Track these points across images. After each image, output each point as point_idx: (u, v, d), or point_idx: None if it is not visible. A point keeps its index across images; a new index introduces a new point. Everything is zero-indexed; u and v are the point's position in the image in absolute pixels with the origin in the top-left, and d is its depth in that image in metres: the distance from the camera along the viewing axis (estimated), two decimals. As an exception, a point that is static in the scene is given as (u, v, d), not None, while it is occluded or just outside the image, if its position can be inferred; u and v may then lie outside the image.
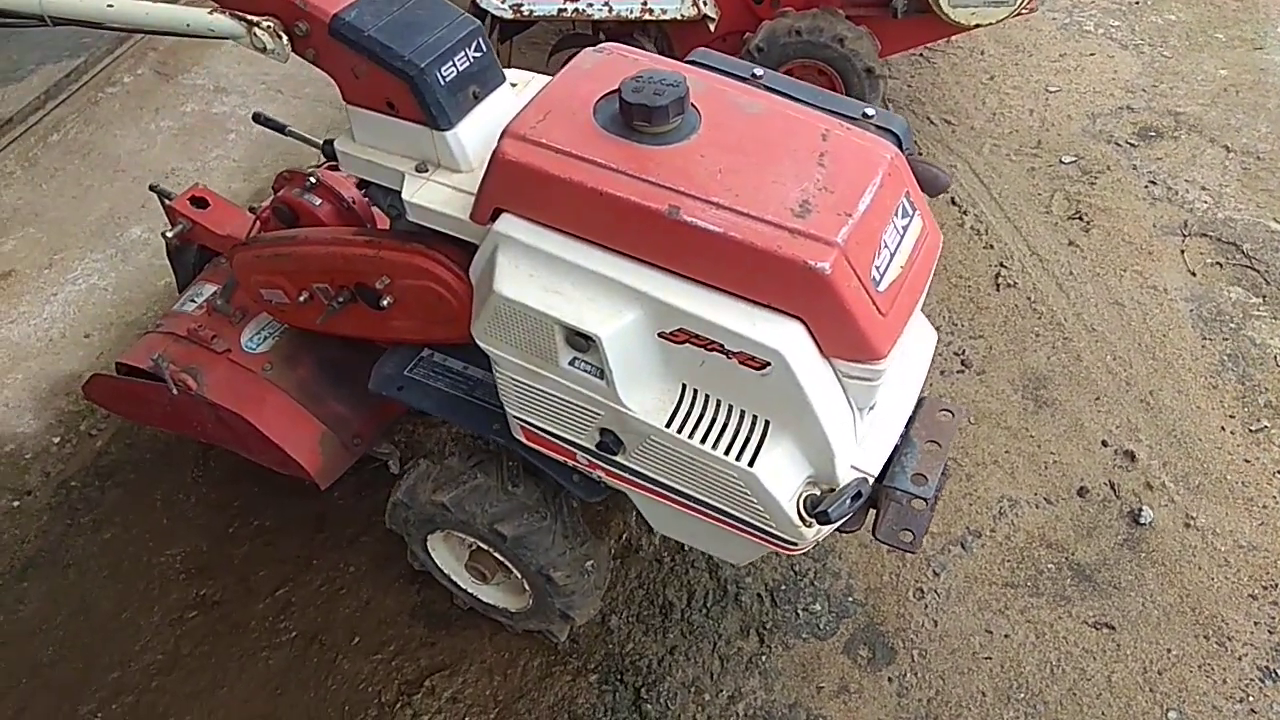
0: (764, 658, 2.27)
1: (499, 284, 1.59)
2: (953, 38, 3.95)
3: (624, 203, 1.49)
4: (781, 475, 1.57)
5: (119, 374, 2.47)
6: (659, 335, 1.55)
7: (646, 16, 3.30)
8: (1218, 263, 3.06)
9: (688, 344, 1.53)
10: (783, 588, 2.40)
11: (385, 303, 1.94)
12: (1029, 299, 3.03)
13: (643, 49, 3.50)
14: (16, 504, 2.94)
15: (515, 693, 2.30)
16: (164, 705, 2.39)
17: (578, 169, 1.53)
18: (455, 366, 2.10)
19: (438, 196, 1.76)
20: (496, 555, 2.15)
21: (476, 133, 1.77)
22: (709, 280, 1.50)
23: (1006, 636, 2.25)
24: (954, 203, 3.43)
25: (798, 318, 1.47)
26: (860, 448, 1.67)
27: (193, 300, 2.48)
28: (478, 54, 1.77)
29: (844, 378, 1.55)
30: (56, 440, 3.11)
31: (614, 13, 3.29)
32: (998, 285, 3.11)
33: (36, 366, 3.31)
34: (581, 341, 1.58)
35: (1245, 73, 3.86)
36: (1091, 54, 4.09)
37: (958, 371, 2.85)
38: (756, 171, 1.52)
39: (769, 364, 1.47)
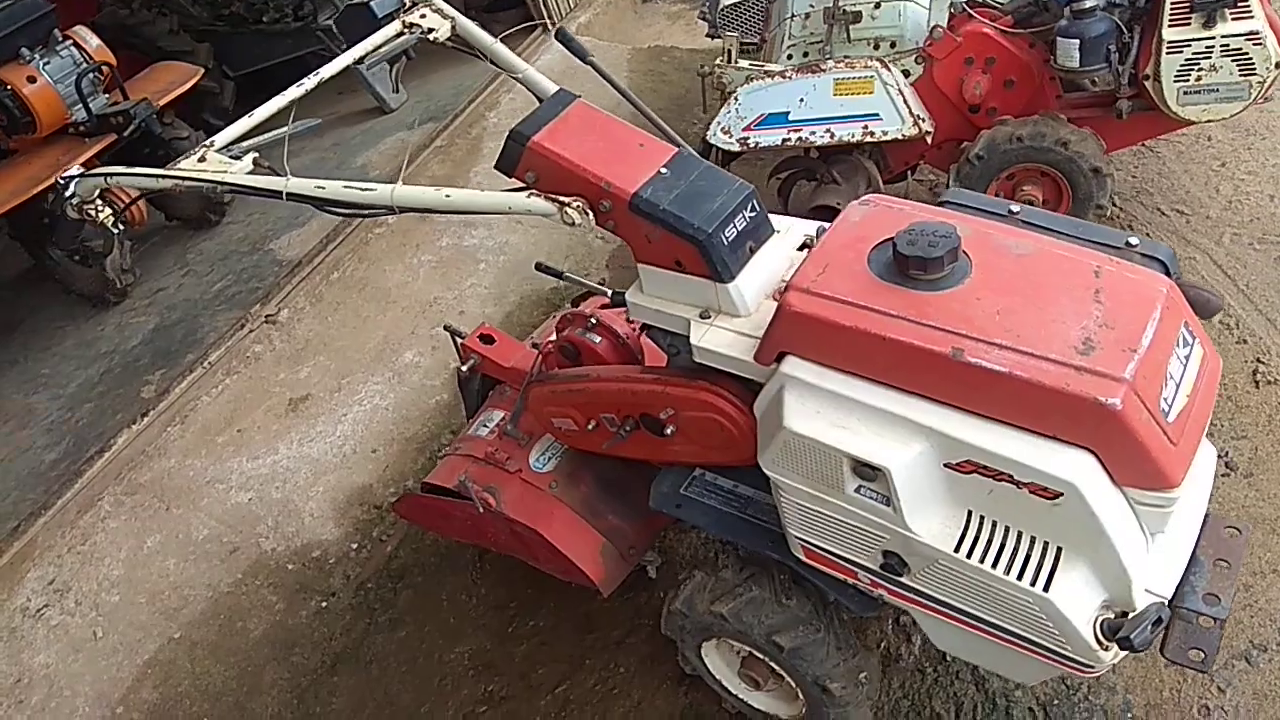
0: (1041, 775, 2.26)
1: (788, 420, 1.77)
2: (1178, 125, 3.91)
3: (908, 346, 1.64)
4: (1078, 600, 1.63)
5: (424, 492, 2.81)
6: (945, 465, 1.67)
7: (868, 139, 3.48)
8: None
9: (975, 474, 1.64)
10: (1055, 702, 2.38)
11: (669, 431, 2.17)
12: (1295, 395, 2.92)
13: (862, 166, 3.71)
14: (325, 604, 3.36)
15: (788, 799, 2.39)
16: (465, 795, 2.64)
17: (861, 317, 1.69)
18: (725, 485, 2.29)
19: (722, 340, 1.96)
20: (771, 664, 2.28)
21: (753, 282, 1.98)
22: (995, 415, 1.61)
23: (1310, 762, 2.14)
24: (1198, 296, 3.35)
25: (1088, 449, 1.56)
26: (1152, 570, 1.70)
27: (485, 425, 2.81)
28: (752, 214, 1.99)
29: (1136, 505, 1.61)
30: (355, 546, 3.54)
31: (836, 138, 3.50)
32: (1256, 382, 3.00)
33: (334, 480, 3.79)
34: (868, 471, 1.71)
35: None
36: (1334, 132, 3.91)
37: (1222, 475, 2.76)
38: (1034, 311, 1.63)
39: (1061, 494, 1.56)
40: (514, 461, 2.64)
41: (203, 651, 3.24)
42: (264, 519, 3.67)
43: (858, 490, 1.76)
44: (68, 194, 2.35)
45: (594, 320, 2.50)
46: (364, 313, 4.62)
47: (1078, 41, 3.14)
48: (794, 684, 2.27)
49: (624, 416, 2.27)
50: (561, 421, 2.45)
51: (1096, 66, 3.20)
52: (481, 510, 2.53)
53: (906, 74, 3.66)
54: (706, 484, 2.31)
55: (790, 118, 3.49)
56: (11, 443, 4.38)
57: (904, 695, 2.51)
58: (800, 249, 2.08)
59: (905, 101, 3.41)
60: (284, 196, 2.18)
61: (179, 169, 2.26)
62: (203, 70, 5.31)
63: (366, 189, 2.14)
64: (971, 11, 3.50)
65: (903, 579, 1.83)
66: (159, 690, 3.14)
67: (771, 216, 2.16)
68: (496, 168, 2.13)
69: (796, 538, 1.98)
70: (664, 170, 2.01)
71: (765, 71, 3.75)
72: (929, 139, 3.60)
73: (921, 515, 1.72)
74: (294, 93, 2.51)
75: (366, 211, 2.17)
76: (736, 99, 3.55)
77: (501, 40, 2.62)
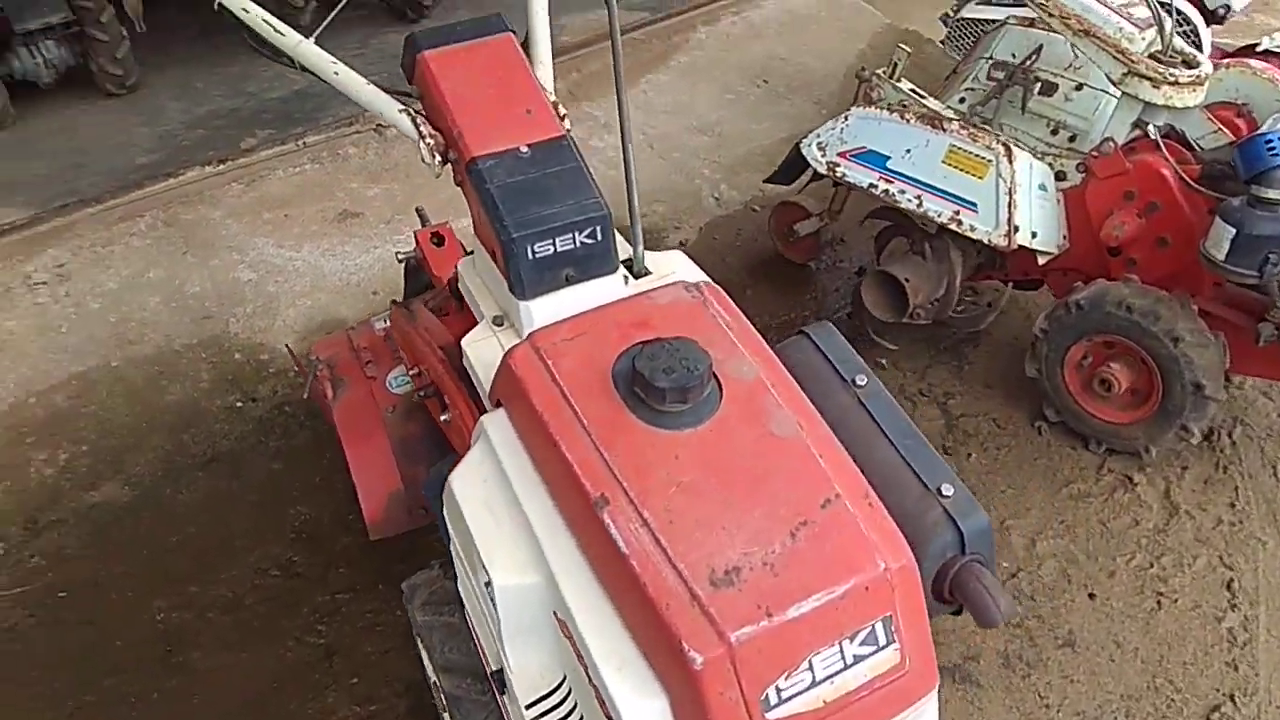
0: None
1: (455, 474, 1.52)
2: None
3: (570, 470, 1.34)
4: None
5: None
6: (555, 614, 1.39)
7: (954, 227, 2.93)
8: None
9: (570, 644, 1.35)
10: None
11: (444, 418, 1.97)
12: None
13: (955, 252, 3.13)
14: (240, 405, 3.43)
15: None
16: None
17: (555, 407, 1.40)
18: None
19: (489, 357, 1.71)
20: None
21: (555, 312, 1.69)
22: (611, 590, 1.30)
23: None
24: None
25: (667, 692, 1.23)
26: None
27: (382, 321, 2.69)
28: (588, 240, 1.68)
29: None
30: (294, 371, 3.56)
31: (922, 209, 2.97)
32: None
33: (320, 300, 3.81)
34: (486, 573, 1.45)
35: None
36: None
37: None
38: (715, 505, 1.29)
39: (618, 724, 1.25)
40: (375, 368, 2.51)
41: (121, 389, 3.41)
42: (248, 303, 3.76)
43: (487, 585, 1.51)
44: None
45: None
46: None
47: (1234, 232, 2.45)
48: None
49: (426, 382, 2.08)
50: (403, 352, 2.30)
51: (1246, 272, 2.51)
52: (308, 396, 2.44)
53: (1062, 176, 3.06)
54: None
55: (888, 164, 2.99)
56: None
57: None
58: (649, 303, 1.76)
59: (1011, 205, 2.81)
60: (215, 7, 2.08)
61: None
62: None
63: (281, 29, 2.00)
64: (1160, 141, 2.83)
65: (505, 698, 1.58)
66: (69, 403, 3.34)
67: (659, 254, 1.85)
68: (402, 65, 1.92)
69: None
70: (524, 150, 1.73)
71: (920, 103, 3.26)
72: (1041, 260, 3.01)
73: (522, 650, 1.45)
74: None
75: (268, 51, 2.03)
76: (847, 119, 3.08)
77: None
